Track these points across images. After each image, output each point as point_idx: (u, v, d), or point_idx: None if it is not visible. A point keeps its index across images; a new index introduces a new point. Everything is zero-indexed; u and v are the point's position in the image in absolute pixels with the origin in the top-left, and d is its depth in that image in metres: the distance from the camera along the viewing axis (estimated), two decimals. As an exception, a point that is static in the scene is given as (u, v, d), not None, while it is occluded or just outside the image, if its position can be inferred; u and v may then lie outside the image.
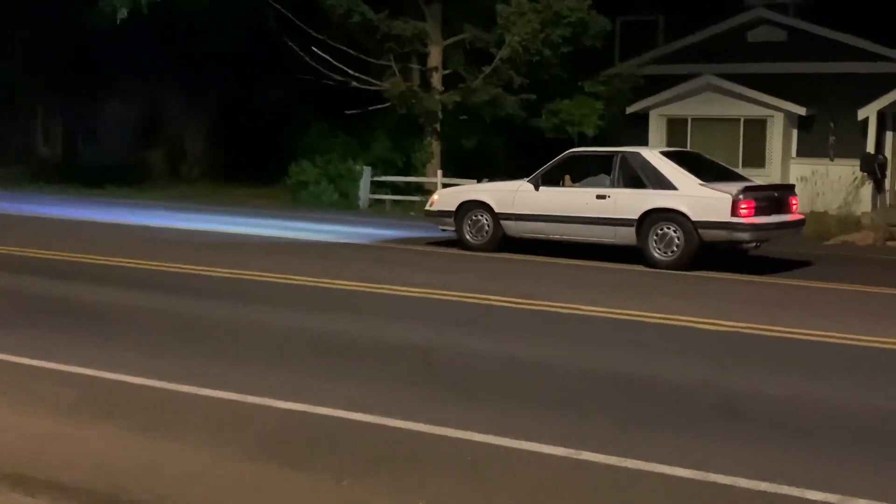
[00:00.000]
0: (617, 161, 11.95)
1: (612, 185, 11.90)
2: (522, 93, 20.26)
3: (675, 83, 20.71)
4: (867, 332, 7.45)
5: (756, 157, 20.26)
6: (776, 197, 11.88)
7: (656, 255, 11.38)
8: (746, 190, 11.18)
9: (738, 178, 12.27)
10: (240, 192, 23.44)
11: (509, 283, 9.80)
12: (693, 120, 20.79)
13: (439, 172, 20.65)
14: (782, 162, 20.28)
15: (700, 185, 11.35)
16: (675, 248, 11.27)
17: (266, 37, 22.16)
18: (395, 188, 21.48)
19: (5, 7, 24.95)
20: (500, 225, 12.58)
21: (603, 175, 12.27)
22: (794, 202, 12.15)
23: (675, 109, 20.91)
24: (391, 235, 14.67)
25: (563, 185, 12.39)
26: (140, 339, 6.80)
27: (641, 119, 21.01)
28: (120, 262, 10.52)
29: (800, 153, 20.61)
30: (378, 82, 21.20)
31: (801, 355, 6.88)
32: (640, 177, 11.71)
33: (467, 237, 12.79)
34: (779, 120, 20.21)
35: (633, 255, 11.63)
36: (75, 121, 31.08)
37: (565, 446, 4.51)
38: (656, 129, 21.13)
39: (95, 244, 12.05)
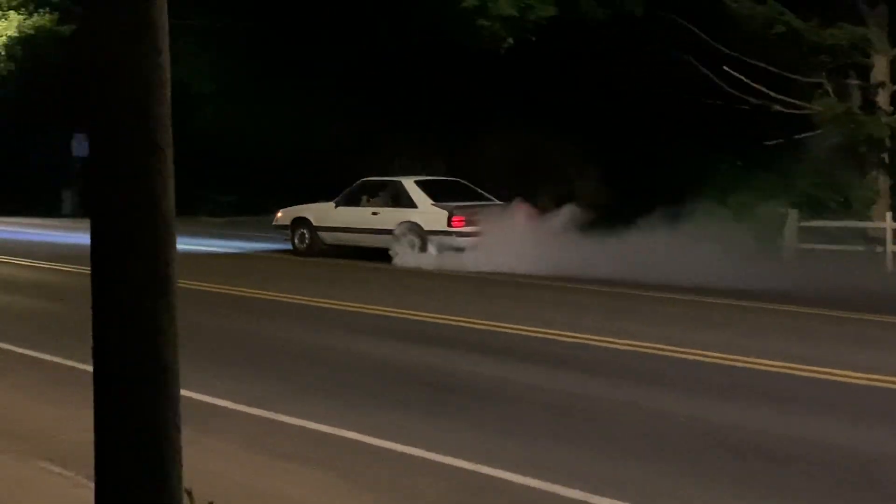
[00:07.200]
0: (387, 186, 18.61)
1: (384, 205, 18.18)
2: None
3: None
4: None
5: None
6: (480, 212, 17.43)
7: (404, 255, 17.18)
8: (457, 208, 17.35)
9: (482, 199, 18.52)
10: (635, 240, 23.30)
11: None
12: None
13: (888, 215, 19.03)
14: None
15: (432, 204, 17.49)
16: (416, 251, 17.18)
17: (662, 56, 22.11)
18: (828, 235, 20.17)
19: (353, 37, 26.98)
20: (319, 235, 18.85)
21: (383, 196, 18.50)
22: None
23: None
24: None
25: (361, 205, 18.54)
26: (520, 425, 6.81)
27: None
28: (499, 327, 10.78)
29: None
30: (805, 104, 20.26)
31: None
32: (399, 199, 18.02)
33: (296, 244, 19.08)
34: None
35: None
36: (450, 160, 32.85)
37: None
38: None
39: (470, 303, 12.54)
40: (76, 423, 6.44)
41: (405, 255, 17.26)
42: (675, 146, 25.66)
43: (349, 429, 6.50)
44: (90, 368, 7.81)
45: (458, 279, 15.86)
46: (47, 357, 8.69)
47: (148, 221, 2.37)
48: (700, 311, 12.72)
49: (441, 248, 17.04)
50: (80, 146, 32.35)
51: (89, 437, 5.24)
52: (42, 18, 29.65)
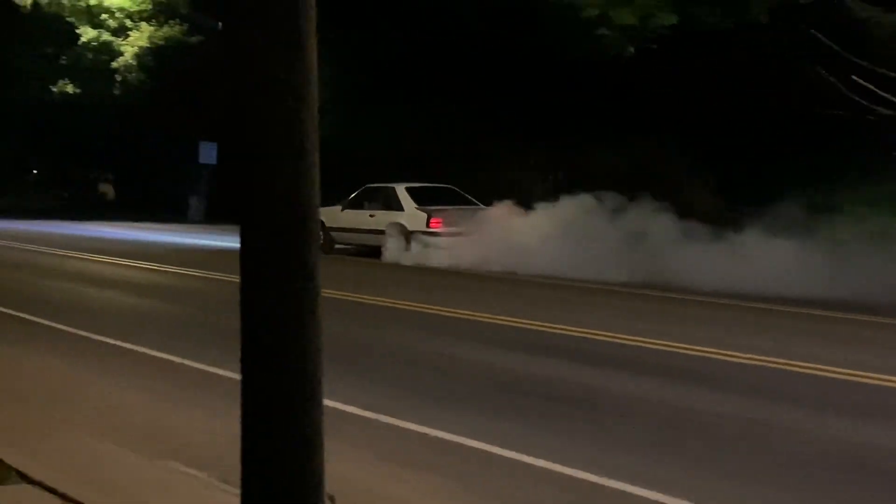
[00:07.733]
0: (383, 191, 20.79)
1: (379, 209, 20.50)
2: None
3: None
4: None
5: None
6: (458, 214, 19.46)
7: (393, 251, 19.56)
8: (436, 211, 19.57)
9: (468, 204, 20.59)
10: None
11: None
12: None
13: None
14: None
15: (416, 207, 19.82)
16: (402, 247, 19.46)
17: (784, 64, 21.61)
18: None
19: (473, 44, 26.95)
20: (331, 235, 21.11)
21: (379, 200, 20.76)
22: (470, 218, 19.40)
23: None
24: None
25: (362, 209, 20.90)
26: (643, 439, 6.69)
27: None
28: (610, 336, 10.61)
29: None
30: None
31: None
32: (391, 203, 20.36)
33: None
34: None
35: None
36: (566, 169, 32.53)
37: None
38: None
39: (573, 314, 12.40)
40: (207, 425, 6.57)
41: (393, 252, 19.64)
42: (796, 156, 25.05)
43: (469, 436, 6.46)
44: (220, 372, 7.93)
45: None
46: (177, 360, 8.87)
47: (297, 227, 2.39)
48: (823, 326, 12.37)
49: (422, 246, 19.17)
50: (206, 154, 33.11)
51: (219, 439, 5.32)
52: (172, 29, 30.48)
